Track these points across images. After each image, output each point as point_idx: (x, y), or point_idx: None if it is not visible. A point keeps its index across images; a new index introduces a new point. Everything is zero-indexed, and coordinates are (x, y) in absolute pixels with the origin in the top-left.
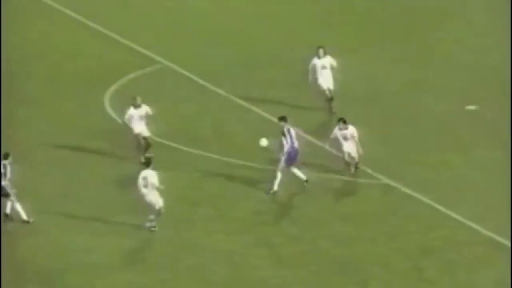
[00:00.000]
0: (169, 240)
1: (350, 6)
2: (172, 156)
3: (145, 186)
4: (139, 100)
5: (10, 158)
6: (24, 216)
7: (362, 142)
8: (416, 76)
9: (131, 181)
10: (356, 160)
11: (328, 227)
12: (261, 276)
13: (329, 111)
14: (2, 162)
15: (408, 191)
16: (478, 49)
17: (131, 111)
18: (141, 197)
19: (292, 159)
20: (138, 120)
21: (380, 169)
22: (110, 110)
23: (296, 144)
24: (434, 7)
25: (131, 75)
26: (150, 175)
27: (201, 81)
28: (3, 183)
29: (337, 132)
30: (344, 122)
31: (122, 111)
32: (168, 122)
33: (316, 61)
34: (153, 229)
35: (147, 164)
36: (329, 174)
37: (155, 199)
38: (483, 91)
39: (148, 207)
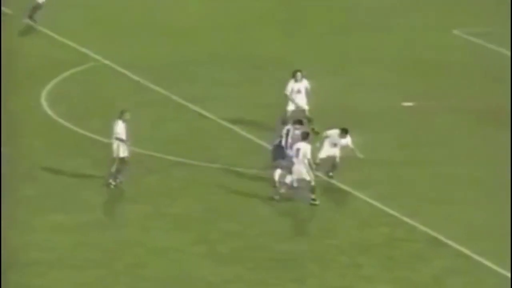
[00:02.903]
0: (107, 237)
1: (293, 4)
2: (109, 153)
3: (296, 156)
4: (128, 115)
5: None
6: None
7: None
8: (355, 72)
9: (72, 178)
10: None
11: (266, 224)
12: (199, 273)
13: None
14: None
15: (346, 188)
16: (418, 45)
17: (122, 124)
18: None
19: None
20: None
21: (319, 166)
22: (47, 109)
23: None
24: (374, 5)
25: (68, 73)
26: (303, 147)
27: (139, 79)
28: None
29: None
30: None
31: (59, 109)
32: (105, 120)
33: (292, 85)
34: (314, 202)
35: (305, 137)
36: (268, 171)
37: (304, 172)
38: (421, 87)
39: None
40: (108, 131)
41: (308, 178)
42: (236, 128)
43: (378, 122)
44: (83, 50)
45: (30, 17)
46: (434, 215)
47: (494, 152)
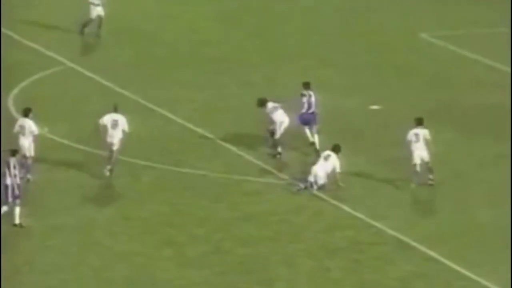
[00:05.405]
0: (72, 240)
1: (257, 6)
2: (76, 157)
3: (417, 141)
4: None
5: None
6: (17, 220)
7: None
8: (320, 74)
9: (38, 181)
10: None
11: (233, 228)
12: (165, 277)
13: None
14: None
15: (312, 191)
16: (386, 48)
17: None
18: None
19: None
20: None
21: (284, 168)
22: (14, 113)
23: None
24: (341, 6)
25: (35, 77)
26: (422, 132)
27: (105, 82)
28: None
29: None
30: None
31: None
32: (72, 124)
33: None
34: (432, 182)
35: (420, 122)
36: (233, 175)
37: (426, 155)
38: (387, 90)
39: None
40: (76, 135)
41: (426, 159)
42: (202, 131)
43: (345, 124)
44: (50, 54)
45: (82, 31)
46: (401, 218)
47: (459, 155)
